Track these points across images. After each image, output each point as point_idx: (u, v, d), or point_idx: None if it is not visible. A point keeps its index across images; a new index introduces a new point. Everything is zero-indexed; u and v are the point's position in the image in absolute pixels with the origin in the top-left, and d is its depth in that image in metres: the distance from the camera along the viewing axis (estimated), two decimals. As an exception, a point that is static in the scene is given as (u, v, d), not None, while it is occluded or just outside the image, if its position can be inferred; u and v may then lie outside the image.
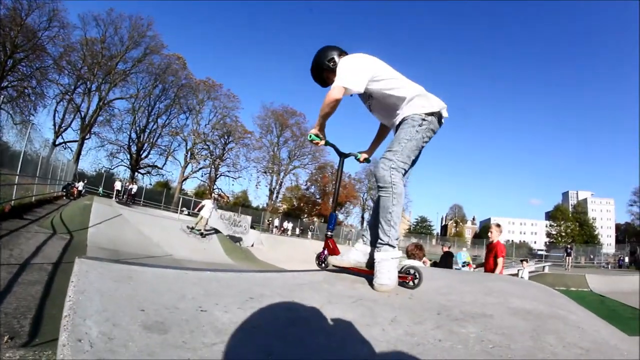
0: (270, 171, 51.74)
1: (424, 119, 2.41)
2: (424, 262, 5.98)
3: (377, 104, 2.65)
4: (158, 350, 1.11)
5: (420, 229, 70.44)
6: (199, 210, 15.14)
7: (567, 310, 2.22)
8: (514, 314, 2.00)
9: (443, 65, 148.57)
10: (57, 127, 38.04)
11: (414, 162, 2.53)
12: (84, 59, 37.47)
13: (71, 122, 39.51)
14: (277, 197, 53.60)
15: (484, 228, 70.26)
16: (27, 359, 2.33)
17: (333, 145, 2.92)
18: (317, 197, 57.17)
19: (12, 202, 9.90)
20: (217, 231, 16.12)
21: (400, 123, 2.50)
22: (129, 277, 1.69)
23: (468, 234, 74.41)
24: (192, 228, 14.90)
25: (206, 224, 15.16)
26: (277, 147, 52.00)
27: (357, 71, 2.40)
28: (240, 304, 1.68)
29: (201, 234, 14.53)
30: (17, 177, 10.38)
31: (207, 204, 15.59)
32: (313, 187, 57.27)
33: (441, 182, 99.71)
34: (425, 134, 2.43)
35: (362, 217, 58.16)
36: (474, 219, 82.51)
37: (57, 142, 36.34)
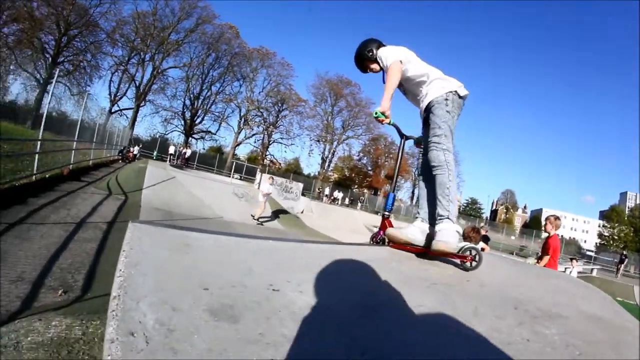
0: (324, 140, 51.56)
1: (446, 98, 2.64)
2: (482, 249, 5.51)
3: (408, 87, 2.93)
4: (231, 347, 0.86)
5: (470, 210, 67.28)
6: (258, 186, 14.22)
7: (632, 323, 2.07)
8: (588, 319, 1.91)
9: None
10: (112, 96, 39.82)
11: None
12: (136, 31, 38.66)
13: (126, 91, 41.15)
14: (329, 166, 53.41)
15: (534, 218, 66.49)
16: (74, 327, 2.23)
17: (396, 126, 3.01)
18: (369, 168, 56.02)
19: (70, 165, 10.31)
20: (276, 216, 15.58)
21: (429, 108, 2.71)
22: (186, 245, 1.46)
23: (517, 222, 70.89)
24: (256, 218, 13.40)
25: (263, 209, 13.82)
26: (330, 116, 51.54)
27: (397, 52, 2.80)
28: (313, 282, 1.48)
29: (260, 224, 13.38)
30: (74, 143, 10.79)
31: (265, 186, 14.27)
32: (365, 158, 56.13)
33: (496, 164, 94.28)
34: (454, 111, 2.66)
35: (412, 193, 56.53)
36: (525, 207, 78.26)
37: (113, 110, 38.10)
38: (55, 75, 9.03)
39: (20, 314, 3.12)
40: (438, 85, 2.71)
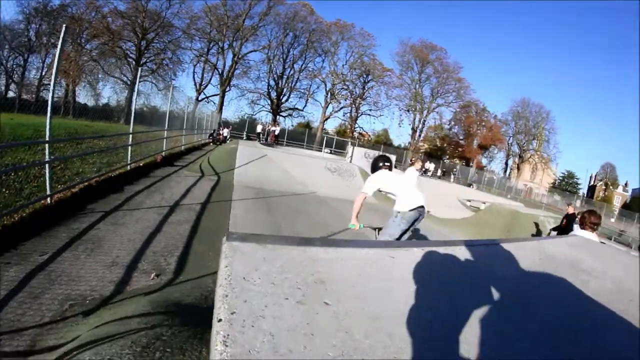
0: (413, 109, 49.18)
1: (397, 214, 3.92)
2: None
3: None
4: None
5: (566, 185, 58.96)
6: (350, 160, 13.08)
7: None
8: None
9: None
10: (198, 86, 42.33)
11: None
12: (210, 23, 40.04)
13: (210, 79, 43.23)
14: (419, 136, 51.07)
15: (636, 199, 55.20)
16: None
17: (367, 226, 4.15)
18: (460, 137, 52.33)
19: (163, 152, 10.71)
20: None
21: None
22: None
23: (616, 202, 59.42)
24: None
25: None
26: (418, 84, 48.66)
27: (371, 182, 4.11)
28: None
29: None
30: (165, 131, 11.16)
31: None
32: (456, 127, 52.45)
33: (599, 133, 77.20)
34: (401, 221, 3.88)
35: (506, 164, 52.70)
36: (626, 184, 64.49)
37: (200, 98, 40.61)
38: (138, 76, 9.24)
39: (112, 298, 2.91)
40: (397, 203, 3.97)
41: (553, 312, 1.33)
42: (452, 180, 34.51)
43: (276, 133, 30.15)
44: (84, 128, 11.52)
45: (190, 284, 3.28)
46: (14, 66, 32.00)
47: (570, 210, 9.19)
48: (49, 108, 4.74)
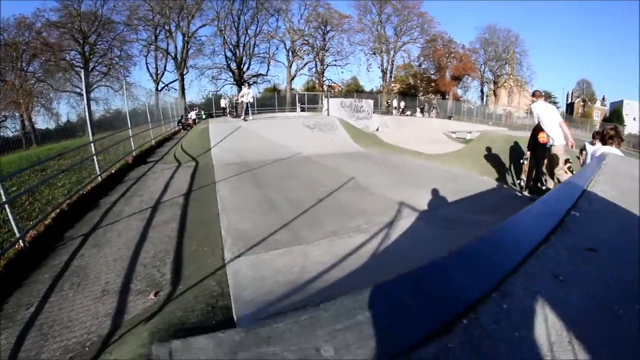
0: (379, 51, 48.07)
1: None
2: None
3: None
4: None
5: None
6: (327, 113, 12.46)
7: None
8: None
9: None
10: (154, 76, 40.42)
11: None
12: (152, 9, 37.52)
13: (165, 66, 41.17)
14: (390, 77, 50.03)
15: (615, 112, 55.12)
16: None
17: None
18: (432, 72, 51.54)
19: (133, 152, 10.18)
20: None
21: None
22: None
23: (596, 117, 59.49)
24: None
25: None
26: (380, 25, 47.28)
27: None
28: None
29: None
30: (129, 130, 10.52)
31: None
32: (426, 62, 51.64)
33: (570, 50, 73.67)
34: None
35: (482, 92, 51.98)
36: (603, 98, 64.34)
37: (159, 88, 39.01)
38: (86, 83, 8.54)
39: (112, 336, 2.71)
40: None
41: None
42: (433, 115, 34.14)
43: (249, 100, 28.81)
44: (46, 152, 10.88)
45: (192, 294, 3.04)
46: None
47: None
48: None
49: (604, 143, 3.79)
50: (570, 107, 64.17)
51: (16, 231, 4.37)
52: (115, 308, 3.06)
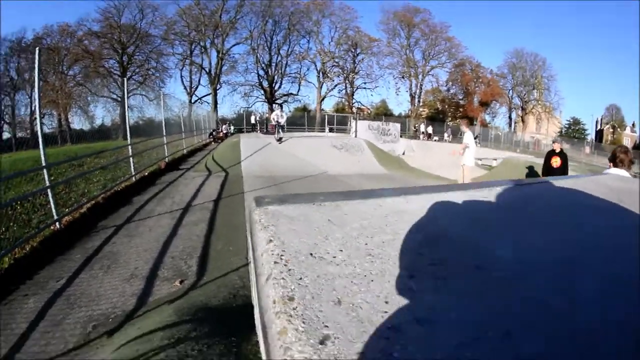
0: (407, 75, 48.28)
1: None
2: None
3: None
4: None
5: (573, 132, 56.51)
6: (355, 135, 12.90)
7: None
8: None
9: None
10: (188, 89, 42.13)
11: None
12: (188, 25, 39.54)
13: (199, 80, 42.84)
14: (418, 101, 50.06)
15: None
16: None
17: None
18: (460, 97, 51.32)
19: (166, 158, 10.55)
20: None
21: None
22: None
23: (626, 143, 56.17)
24: None
25: None
26: (408, 49, 47.72)
27: None
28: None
29: None
30: (164, 138, 10.97)
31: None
32: (454, 87, 51.34)
33: (599, 77, 71.58)
34: None
35: (510, 118, 51.26)
36: (633, 124, 61.26)
37: (192, 101, 40.21)
38: (125, 90, 9.04)
39: (136, 312, 2.76)
40: None
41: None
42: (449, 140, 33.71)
43: (281, 122, 29.34)
44: (84, 150, 11.44)
45: (215, 285, 3.09)
46: (3, 107, 32.16)
47: (557, 146, 8.42)
48: (39, 135, 4.62)
49: (615, 165, 3.64)
50: (599, 134, 61.06)
51: (55, 214, 4.57)
52: (142, 290, 3.13)
